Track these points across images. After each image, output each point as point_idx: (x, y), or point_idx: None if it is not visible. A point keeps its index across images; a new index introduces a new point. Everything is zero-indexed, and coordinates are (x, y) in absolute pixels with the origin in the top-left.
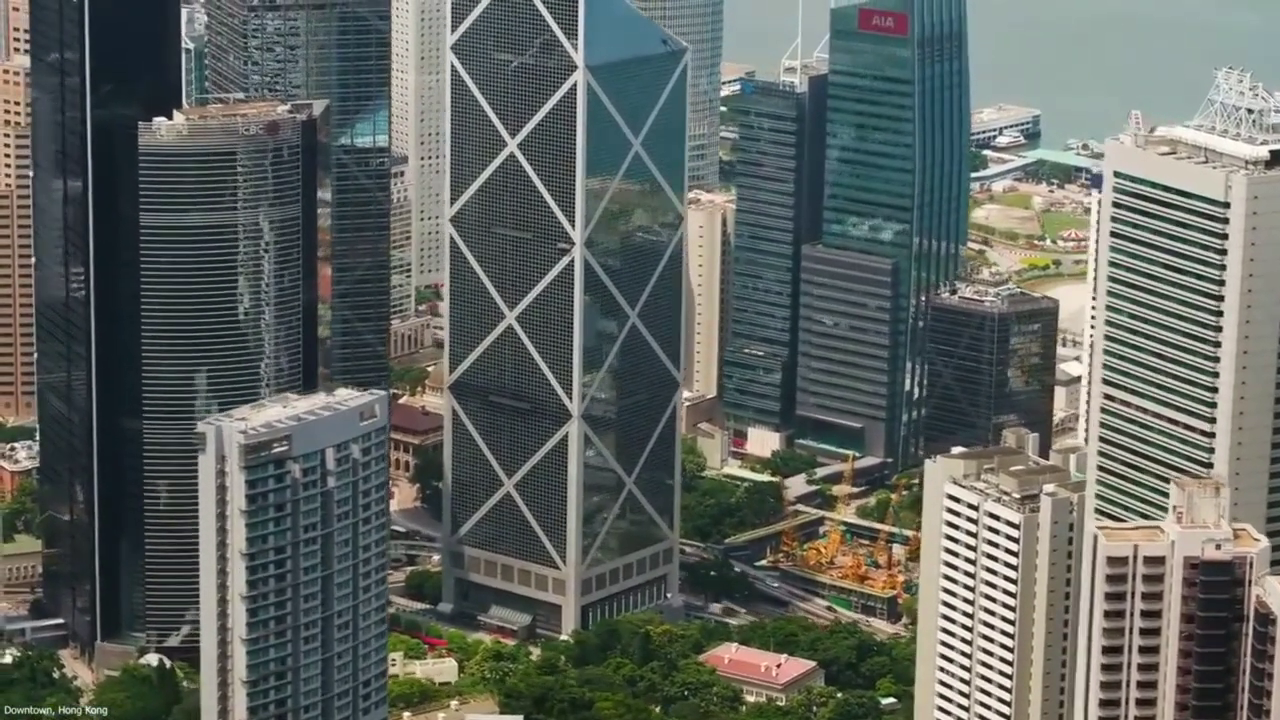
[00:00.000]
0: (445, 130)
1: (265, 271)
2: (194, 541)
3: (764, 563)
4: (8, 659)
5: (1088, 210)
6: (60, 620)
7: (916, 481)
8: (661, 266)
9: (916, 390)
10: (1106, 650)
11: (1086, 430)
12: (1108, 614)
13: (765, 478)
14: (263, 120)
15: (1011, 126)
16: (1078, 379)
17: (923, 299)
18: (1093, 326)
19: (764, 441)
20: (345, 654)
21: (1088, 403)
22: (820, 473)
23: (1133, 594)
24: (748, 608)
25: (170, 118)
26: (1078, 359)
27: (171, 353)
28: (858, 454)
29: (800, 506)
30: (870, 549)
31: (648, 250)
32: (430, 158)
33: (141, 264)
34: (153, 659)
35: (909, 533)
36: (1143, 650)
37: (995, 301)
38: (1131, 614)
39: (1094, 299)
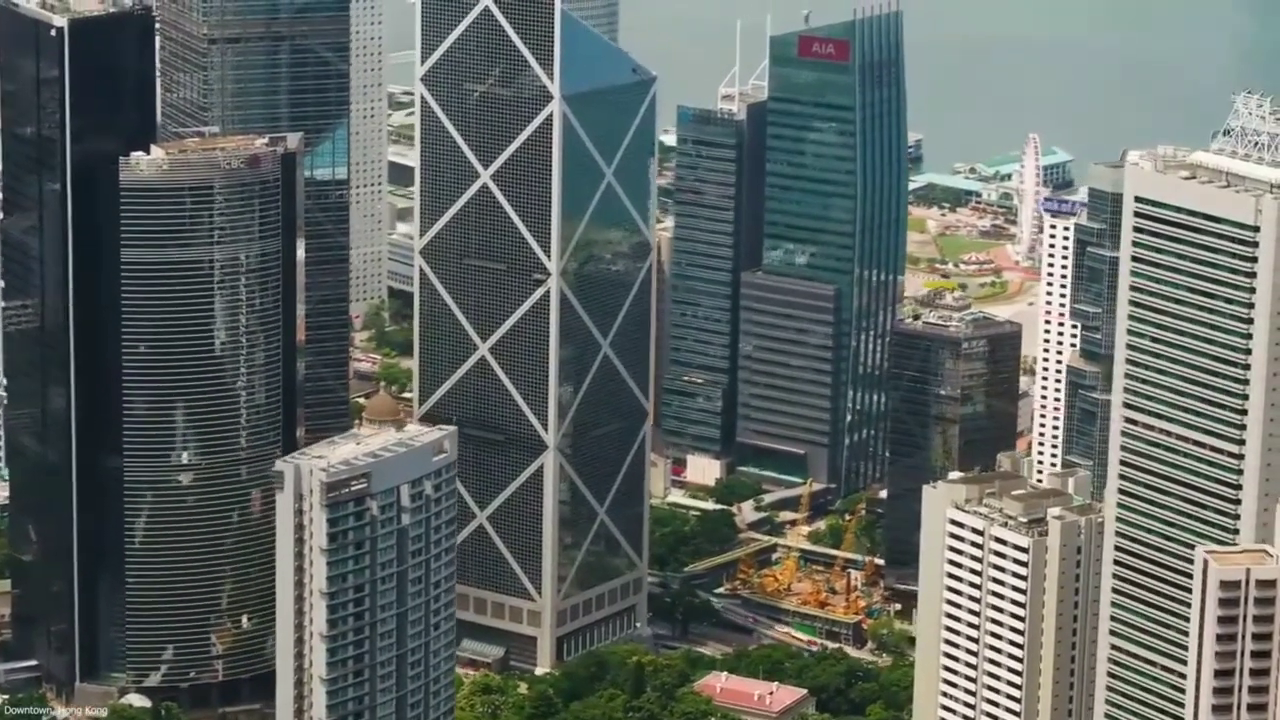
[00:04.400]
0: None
1: (244, 307)
2: (174, 579)
3: (722, 590)
4: None
5: (984, 233)
6: (34, 661)
7: (863, 506)
8: (632, 296)
9: (853, 415)
10: (1219, 674)
11: (1041, 446)
12: (1220, 638)
13: (712, 505)
14: (244, 154)
15: None
16: (1024, 395)
17: (864, 324)
18: (1045, 349)
19: (704, 469)
20: (418, 692)
21: (1042, 419)
22: (767, 499)
23: (1244, 617)
24: (715, 636)
25: (148, 151)
26: None
27: (151, 390)
28: (801, 480)
29: (752, 533)
30: (827, 575)
31: (619, 280)
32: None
33: (122, 300)
34: (134, 699)
35: (864, 558)
36: (1255, 673)
37: (959, 326)
38: (1243, 637)
39: (1046, 321)
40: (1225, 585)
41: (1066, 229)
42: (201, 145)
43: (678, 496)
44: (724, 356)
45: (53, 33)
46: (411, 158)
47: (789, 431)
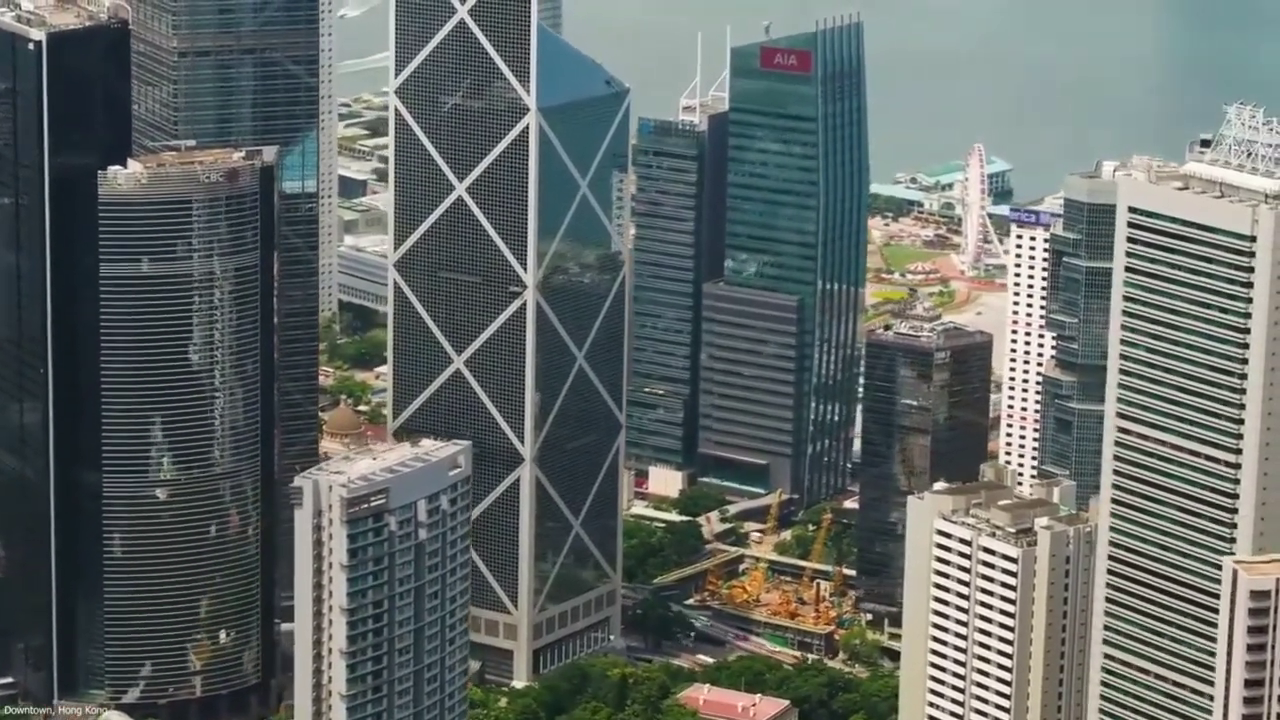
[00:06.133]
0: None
1: (222, 321)
2: (152, 595)
3: (691, 602)
4: None
5: (927, 243)
6: (11, 679)
7: (831, 516)
8: (606, 308)
9: (814, 426)
10: (1249, 684)
11: (1008, 455)
12: (1250, 647)
13: (676, 517)
14: (222, 168)
15: None
16: None
17: (825, 334)
18: (1012, 359)
19: (666, 481)
20: (434, 708)
21: (1008, 431)
22: (733, 509)
23: (1274, 627)
24: (688, 648)
25: (124, 165)
26: None
27: (129, 405)
28: (763, 490)
29: (719, 545)
30: (796, 586)
31: (593, 292)
32: None
33: (100, 314)
34: (113, 716)
35: (833, 568)
36: None
37: (931, 337)
38: (1273, 647)
39: (1014, 331)
40: (1256, 595)
41: (1033, 239)
42: (179, 159)
43: (640, 508)
44: (685, 367)
45: (30, 46)
46: (354, 169)
47: (751, 442)
